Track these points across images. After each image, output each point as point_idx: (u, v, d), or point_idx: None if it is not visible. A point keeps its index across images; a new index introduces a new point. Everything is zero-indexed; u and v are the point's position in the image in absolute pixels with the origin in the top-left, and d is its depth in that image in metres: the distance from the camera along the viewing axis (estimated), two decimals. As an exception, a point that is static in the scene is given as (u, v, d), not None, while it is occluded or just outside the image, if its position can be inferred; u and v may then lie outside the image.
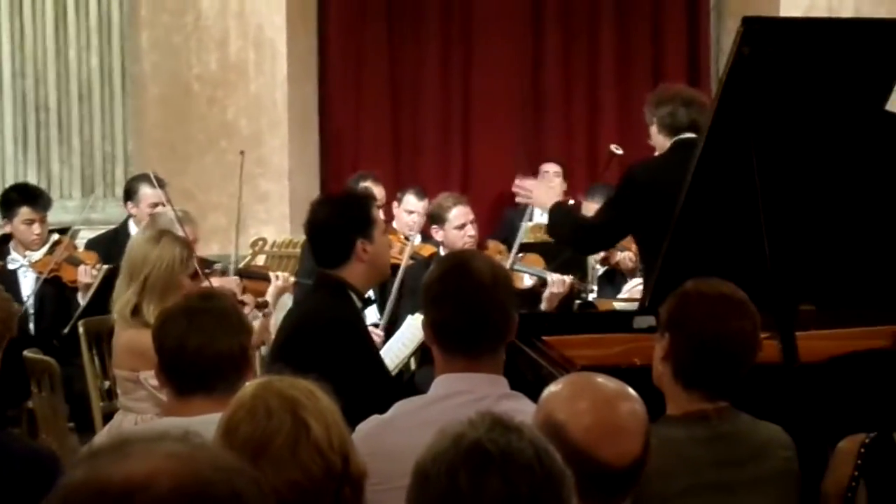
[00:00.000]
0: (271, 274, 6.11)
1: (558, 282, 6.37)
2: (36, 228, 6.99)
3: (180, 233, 5.38)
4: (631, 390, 2.47)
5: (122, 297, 4.66)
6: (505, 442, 1.87)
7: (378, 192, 7.31)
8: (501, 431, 1.89)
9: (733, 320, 2.98)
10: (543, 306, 6.37)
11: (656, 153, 5.09)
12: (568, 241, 5.32)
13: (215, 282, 5.51)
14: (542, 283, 6.43)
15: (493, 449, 1.85)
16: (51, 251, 6.94)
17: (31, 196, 7.17)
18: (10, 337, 2.76)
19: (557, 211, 5.13)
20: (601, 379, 2.49)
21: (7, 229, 7.15)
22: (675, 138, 4.91)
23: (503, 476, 1.84)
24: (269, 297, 5.77)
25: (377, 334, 5.72)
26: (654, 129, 5.02)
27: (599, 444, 2.34)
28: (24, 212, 6.99)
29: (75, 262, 6.77)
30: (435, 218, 6.55)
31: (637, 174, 4.98)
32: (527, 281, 6.52)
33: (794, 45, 3.90)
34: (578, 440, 2.34)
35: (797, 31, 4.13)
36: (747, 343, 3.01)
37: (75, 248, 7.07)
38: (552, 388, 2.47)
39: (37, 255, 6.95)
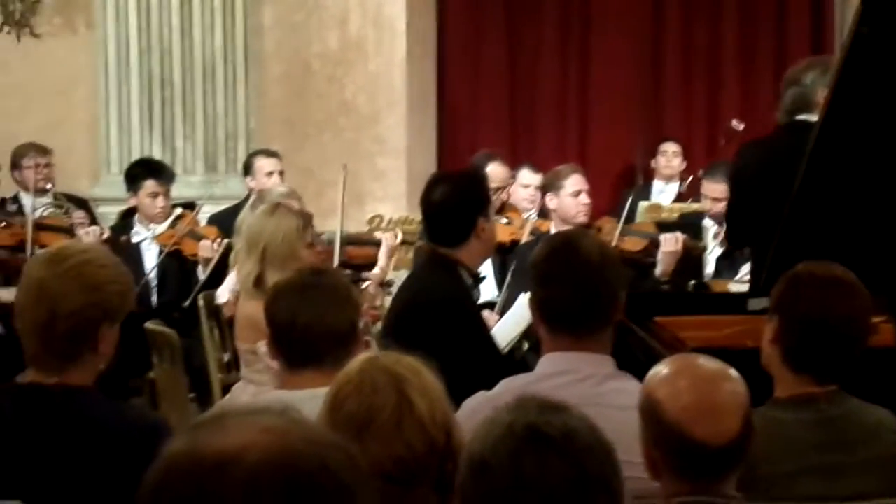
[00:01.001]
0: (379, 235, 6.16)
1: (670, 239, 6.35)
2: (160, 201, 7.14)
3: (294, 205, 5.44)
4: (732, 371, 2.47)
5: (244, 268, 4.74)
6: (561, 423, 1.86)
7: (503, 171, 7.29)
8: (553, 413, 1.89)
9: (843, 303, 2.95)
10: (659, 269, 6.34)
11: None
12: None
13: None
14: (654, 244, 6.40)
15: (553, 432, 1.85)
16: (173, 225, 7.08)
17: (155, 170, 7.33)
18: (128, 310, 2.82)
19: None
20: (703, 359, 2.50)
21: (132, 202, 7.32)
22: (790, 119, 4.85)
23: (567, 458, 1.84)
24: (381, 259, 5.83)
25: (492, 318, 5.72)
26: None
27: (695, 422, 2.35)
28: (149, 185, 7.15)
29: (197, 237, 6.89)
30: (549, 185, 6.51)
31: (741, 154, 5.01)
32: (638, 244, 6.49)
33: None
34: (674, 418, 2.35)
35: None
36: (857, 326, 2.97)
37: (197, 222, 7.20)
38: (656, 369, 2.50)
39: (160, 229, 7.09)
